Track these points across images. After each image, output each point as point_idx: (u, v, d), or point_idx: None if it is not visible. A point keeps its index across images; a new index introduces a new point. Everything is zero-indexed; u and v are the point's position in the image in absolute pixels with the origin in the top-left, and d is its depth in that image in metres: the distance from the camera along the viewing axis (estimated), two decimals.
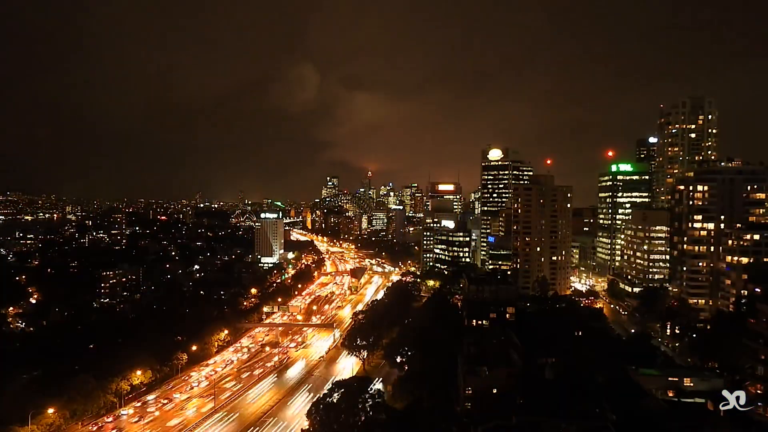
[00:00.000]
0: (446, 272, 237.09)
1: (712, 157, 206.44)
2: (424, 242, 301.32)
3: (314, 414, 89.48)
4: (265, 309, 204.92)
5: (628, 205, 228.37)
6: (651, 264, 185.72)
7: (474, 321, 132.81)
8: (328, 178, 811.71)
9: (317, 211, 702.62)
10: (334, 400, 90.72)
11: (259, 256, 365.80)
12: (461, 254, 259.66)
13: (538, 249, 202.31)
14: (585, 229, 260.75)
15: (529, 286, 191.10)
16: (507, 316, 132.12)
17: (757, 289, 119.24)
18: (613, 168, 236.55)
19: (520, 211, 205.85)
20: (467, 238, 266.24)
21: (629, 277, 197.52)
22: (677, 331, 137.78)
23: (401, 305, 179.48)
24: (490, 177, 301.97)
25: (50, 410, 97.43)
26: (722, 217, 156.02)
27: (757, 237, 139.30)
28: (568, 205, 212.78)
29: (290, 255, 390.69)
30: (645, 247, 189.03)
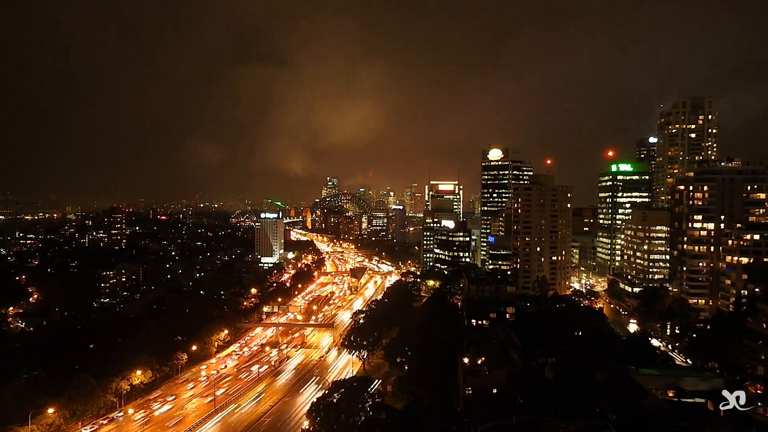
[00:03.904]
0: (446, 272, 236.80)
1: (712, 157, 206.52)
2: (424, 242, 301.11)
3: (314, 414, 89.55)
4: (265, 309, 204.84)
5: (628, 205, 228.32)
6: (651, 264, 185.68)
7: (474, 321, 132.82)
8: (328, 178, 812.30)
9: (317, 211, 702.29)
10: (334, 400, 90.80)
11: (259, 256, 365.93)
12: (461, 254, 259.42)
13: (538, 249, 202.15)
14: (585, 229, 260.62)
15: (529, 286, 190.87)
16: (507, 316, 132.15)
17: (757, 289, 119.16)
18: (613, 168, 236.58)
19: (520, 211, 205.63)
20: (467, 238, 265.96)
21: (629, 277, 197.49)
22: (677, 331, 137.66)
23: (401, 305, 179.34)
24: (490, 177, 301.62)
25: (50, 410, 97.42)
26: (722, 217, 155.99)
27: (757, 237, 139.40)
28: (568, 205, 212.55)
29: (290, 255, 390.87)
30: (645, 247, 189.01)
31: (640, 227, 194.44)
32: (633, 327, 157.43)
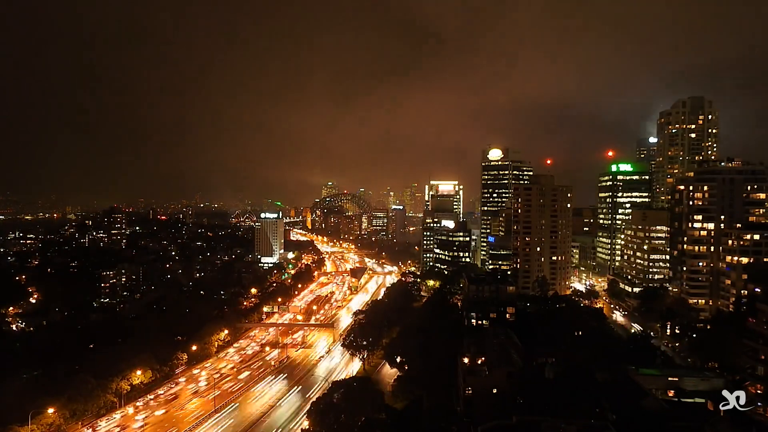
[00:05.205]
0: (446, 272, 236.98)
1: (712, 157, 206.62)
2: (424, 242, 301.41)
3: (314, 414, 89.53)
4: (265, 309, 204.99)
5: (628, 205, 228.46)
6: (651, 264, 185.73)
7: (474, 321, 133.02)
8: (329, 183, 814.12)
9: (317, 211, 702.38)
10: (334, 400, 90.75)
11: (259, 256, 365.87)
12: (461, 254, 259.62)
13: (538, 249, 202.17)
14: (585, 229, 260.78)
15: (529, 286, 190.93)
16: (507, 316, 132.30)
17: (757, 289, 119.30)
18: (613, 168, 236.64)
19: (520, 211, 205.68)
20: (467, 238, 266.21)
21: (629, 277, 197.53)
22: (677, 331, 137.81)
23: (401, 305, 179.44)
24: (490, 177, 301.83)
25: (50, 410, 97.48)
26: (722, 217, 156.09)
27: (757, 237, 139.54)
28: (568, 205, 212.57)
29: (290, 255, 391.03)
30: (645, 247, 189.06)
31: (640, 227, 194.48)
32: (633, 327, 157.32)
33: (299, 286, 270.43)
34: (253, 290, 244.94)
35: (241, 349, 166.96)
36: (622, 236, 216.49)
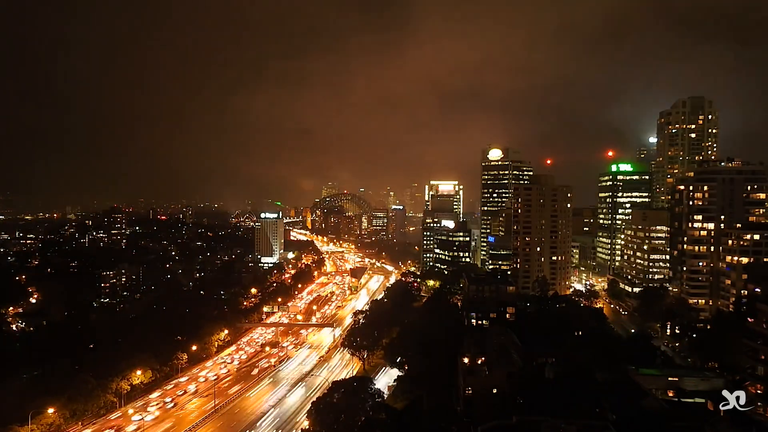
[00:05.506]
0: (446, 272, 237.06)
1: (712, 157, 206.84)
2: (424, 242, 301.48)
3: (314, 414, 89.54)
4: (265, 309, 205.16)
5: (628, 205, 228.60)
6: (651, 264, 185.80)
7: (474, 321, 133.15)
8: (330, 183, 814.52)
9: (317, 211, 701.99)
10: (334, 400, 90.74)
11: (259, 256, 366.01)
12: (461, 254, 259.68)
13: (538, 249, 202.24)
14: (585, 229, 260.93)
15: (529, 286, 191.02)
16: (507, 316, 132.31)
17: (757, 289, 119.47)
18: (613, 168, 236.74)
19: (520, 211, 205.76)
20: (467, 238, 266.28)
21: (629, 277, 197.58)
22: (677, 331, 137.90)
23: (401, 305, 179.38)
24: (490, 177, 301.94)
25: (50, 410, 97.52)
26: (722, 217, 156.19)
27: (757, 237, 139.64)
28: (568, 205, 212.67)
29: (290, 255, 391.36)
30: (645, 247, 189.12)
31: (640, 227, 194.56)
32: (633, 327, 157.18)
33: (299, 286, 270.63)
34: (253, 290, 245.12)
35: (241, 349, 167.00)
36: (622, 236, 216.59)
